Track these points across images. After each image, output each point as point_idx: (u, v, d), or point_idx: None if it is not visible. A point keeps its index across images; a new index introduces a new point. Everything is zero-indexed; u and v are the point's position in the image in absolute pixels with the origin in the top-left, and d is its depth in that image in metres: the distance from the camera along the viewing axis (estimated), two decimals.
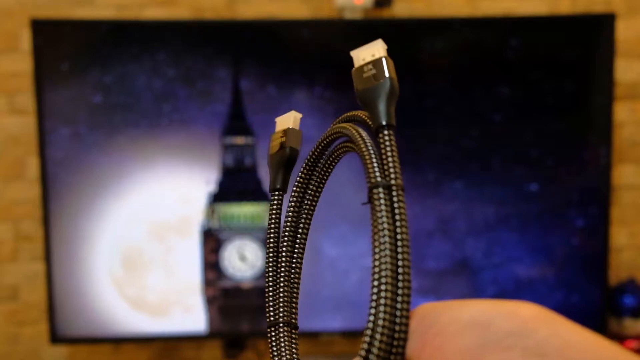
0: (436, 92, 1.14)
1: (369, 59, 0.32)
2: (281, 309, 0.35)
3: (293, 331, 0.35)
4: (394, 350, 0.28)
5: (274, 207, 0.37)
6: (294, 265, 0.37)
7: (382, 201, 0.30)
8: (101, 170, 1.12)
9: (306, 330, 1.17)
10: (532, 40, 1.14)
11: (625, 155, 1.27)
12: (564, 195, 1.15)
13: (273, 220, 0.37)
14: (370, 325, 0.28)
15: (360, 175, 1.12)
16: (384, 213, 0.29)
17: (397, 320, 0.28)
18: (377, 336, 0.28)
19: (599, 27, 1.13)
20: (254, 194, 1.14)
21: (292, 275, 0.37)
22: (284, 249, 0.36)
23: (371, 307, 0.28)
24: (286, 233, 0.36)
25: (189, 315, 1.15)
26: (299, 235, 0.37)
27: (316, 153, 0.37)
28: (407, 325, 0.28)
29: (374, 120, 0.32)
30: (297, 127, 0.38)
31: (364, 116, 0.33)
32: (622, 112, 1.26)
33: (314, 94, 1.12)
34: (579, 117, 1.16)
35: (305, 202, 0.37)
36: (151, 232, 1.14)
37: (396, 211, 0.29)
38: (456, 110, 1.14)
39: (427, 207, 1.13)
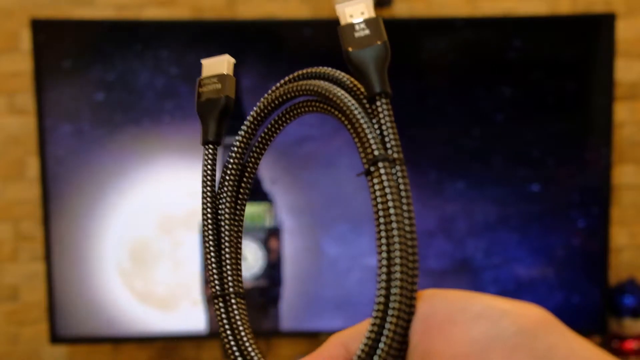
0: (437, 92, 1.14)
1: (358, 16, 0.30)
2: (230, 278, 0.32)
3: (242, 301, 0.32)
4: (399, 329, 0.27)
5: (208, 162, 0.33)
6: (235, 229, 0.33)
7: (386, 177, 0.27)
8: (103, 168, 1.12)
9: (306, 330, 1.17)
10: (532, 40, 1.13)
11: (625, 155, 1.27)
12: (563, 195, 1.15)
13: (208, 178, 0.33)
14: (382, 299, 0.27)
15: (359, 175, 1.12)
16: (388, 190, 0.27)
17: (407, 300, 0.27)
18: (390, 311, 0.27)
19: (599, 27, 1.13)
20: (254, 194, 1.14)
21: (236, 241, 0.33)
22: (226, 211, 0.32)
23: (381, 282, 0.27)
24: (226, 194, 0.33)
25: (197, 308, 1.15)
26: (240, 196, 0.33)
27: (271, 106, 0.32)
28: (414, 305, 0.27)
29: (368, 87, 0.29)
30: (232, 74, 0.34)
31: (347, 79, 0.30)
32: (622, 112, 1.26)
33: None
34: (579, 117, 1.16)
35: (249, 159, 0.34)
36: (156, 228, 1.14)
37: (401, 187, 0.27)
38: (456, 110, 1.14)
39: (428, 206, 1.13)
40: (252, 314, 1.15)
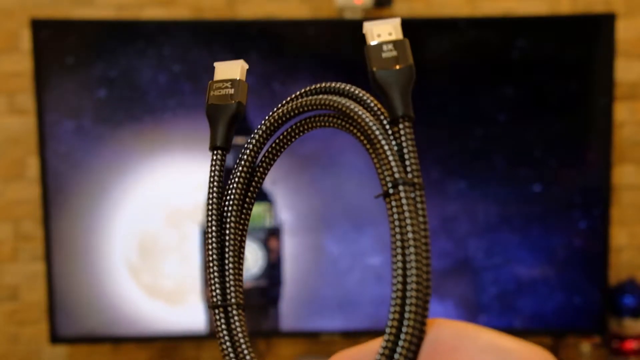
0: (437, 92, 1.14)
1: (386, 37, 0.30)
2: (232, 289, 0.31)
3: (242, 313, 0.31)
4: (410, 355, 0.27)
5: (216, 169, 0.32)
6: (239, 238, 0.32)
7: (406, 200, 0.27)
8: (105, 165, 1.12)
9: (306, 330, 1.17)
10: (532, 40, 1.13)
11: (625, 155, 1.27)
12: (563, 196, 1.15)
13: (215, 185, 0.32)
14: (395, 323, 0.27)
15: (362, 173, 1.13)
16: (408, 214, 0.27)
17: (419, 325, 0.27)
18: (402, 336, 0.27)
19: (599, 27, 1.13)
20: None
21: (239, 250, 0.32)
22: (232, 219, 0.32)
23: (394, 308, 0.27)
24: (233, 201, 0.32)
25: (203, 303, 1.15)
26: (245, 204, 0.33)
27: (287, 116, 0.32)
28: (425, 330, 0.27)
29: (391, 109, 0.29)
30: (244, 79, 0.33)
31: (369, 99, 0.30)
32: (622, 112, 1.26)
33: None
34: (579, 117, 1.16)
35: (258, 168, 0.33)
36: (160, 223, 1.14)
37: (420, 212, 0.28)
38: (456, 110, 1.14)
39: (429, 206, 1.12)
40: (252, 314, 1.15)
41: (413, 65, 0.29)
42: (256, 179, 0.33)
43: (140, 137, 1.12)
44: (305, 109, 0.31)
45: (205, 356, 1.27)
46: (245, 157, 0.32)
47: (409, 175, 0.28)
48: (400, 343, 0.27)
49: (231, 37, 1.12)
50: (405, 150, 0.28)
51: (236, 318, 0.31)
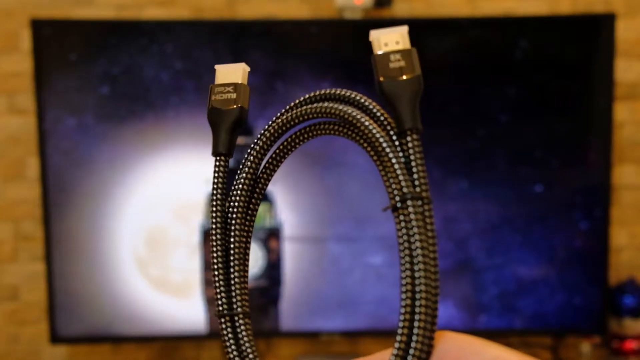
0: (438, 92, 1.14)
1: (393, 46, 0.29)
2: (238, 297, 0.31)
3: (248, 321, 0.31)
4: None
5: (219, 175, 0.32)
6: (244, 246, 0.32)
7: (414, 216, 0.27)
8: (107, 162, 1.12)
9: (306, 330, 1.17)
10: (532, 40, 1.13)
11: (625, 155, 1.27)
12: (563, 196, 1.15)
13: (218, 191, 0.32)
14: (404, 338, 0.27)
15: (363, 172, 1.13)
16: (416, 230, 0.27)
17: (427, 341, 0.27)
18: (411, 351, 0.27)
19: (599, 27, 1.13)
20: None
21: (244, 258, 0.32)
22: (236, 227, 0.32)
23: (403, 322, 0.27)
24: (237, 209, 0.32)
25: (203, 302, 1.15)
26: (249, 212, 0.33)
27: (291, 124, 0.31)
28: (433, 345, 0.28)
29: (398, 120, 0.29)
30: (246, 83, 0.33)
31: (377, 110, 0.30)
32: (622, 112, 1.26)
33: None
34: (579, 117, 1.16)
35: (261, 175, 0.33)
36: (163, 219, 1.14)
37: (428, 227, 0.28)
38: (456, 110, 1.14)
39: None
40: (252, 314, 1.15)
41: (421, 75, 0.29)
42: (260, 186, 0.33)
43: (143, 134, 1.12)
44: (310, 116, 0.31)
45: (205, 356, 1.27)
46: (248, 164, 0.32)
47: (417, 189, 0.28)
48: (409, 358, 0.27)
49: (231, 36, 1.12)
50: (413, 164, 0.28)
51: (242, 327, 0.31)
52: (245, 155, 0.33)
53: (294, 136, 0.32)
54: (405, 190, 0.28)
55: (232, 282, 0.31)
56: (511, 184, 1.14)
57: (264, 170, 0.33)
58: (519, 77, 1.14)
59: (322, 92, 0.31)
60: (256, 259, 1.15)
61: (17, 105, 1.23)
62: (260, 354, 1.26)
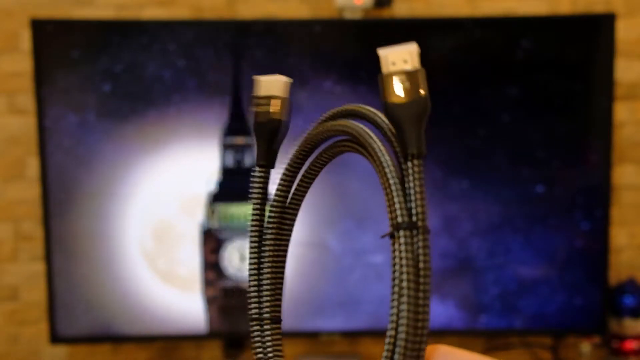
0: (438, 91, 1.14)
1: (400, 65, 0.29)
2: (268, 303, 0.33)
3: (277, 326, 0.33)
4: None
5: (258, 185, 0.33)
6: (279, 255, 0.34)
7: (404, 247, 0.27)
8: (109, 160, 1.12)
9: (306, 330, 1.17)
10: (532, 40, 1.13)
11: (625, 155, 1.27)
12: (563, 196, 1.15)
13: (257, 201, 0.33)
14: None
15: (365, 172, 1.12)
16: (405, 262, 0.27)
17: None
18: None
19: (599, 27, 1.13)
20: None
21: (278, 266, 0.33)
22: (270, 236, 0.33)
23: (388, 351, 0.27)
24: (272, 220, 0.34)
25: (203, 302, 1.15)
26: (285, 222, 0.34)
27: (313, 143, 0.33)
28: None
29: (402, 144, 0.28)
30: (288, 96, 0.34)
31: (387, 126, 0.29)
32: (622, 112, 1.26)
33: (313, 94, 1.12)
34: (579, 117, 1.16)
35: (294, 190, 0.34)
36: (165, 217, 1.14)
37: (420, 258, 0.27)
38: (455, 110, 1.14)
39: (432, 205, 1.12)
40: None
41: (427, 97, 0.29)
42: (292, 202, 0.34)
43: (145, 131, 1.12)
44: (325, 135, 0.32)
45: (205, 356, 1.27)
46: (278, 191, 0.34)
47: (414, 218, 0.28)
48: None
49: (231, 36, 1.12)
50: (411, 192, 0.28)
51: (269, 332, 0.32)
52: (281, 174, 0.34)
53: (314, 160, 0.34)
54: (399, 220, 0.28)
55: (265, 288, 0.33)
56: (512, 184, 1.14)
57: (298, 186, 0.35)
58: (519, 77, 1.14)
59: (343, 108, 0.32)
60: None
61: (17, 105, 1.23)
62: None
